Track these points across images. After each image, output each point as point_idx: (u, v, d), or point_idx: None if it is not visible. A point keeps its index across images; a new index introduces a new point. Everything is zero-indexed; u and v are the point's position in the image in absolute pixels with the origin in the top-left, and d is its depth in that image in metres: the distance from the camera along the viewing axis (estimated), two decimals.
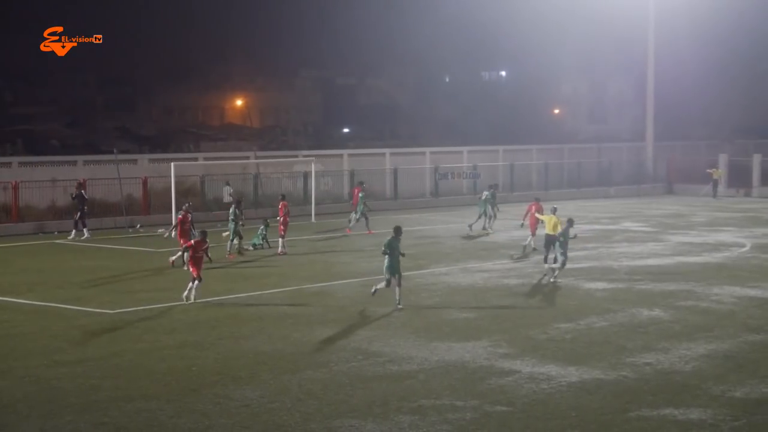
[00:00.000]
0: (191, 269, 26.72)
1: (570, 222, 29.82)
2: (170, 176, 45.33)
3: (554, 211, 31.88)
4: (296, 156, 60.52)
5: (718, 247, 38.74)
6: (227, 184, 51.34)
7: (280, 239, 36.89)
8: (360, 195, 44.14)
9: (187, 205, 34.36)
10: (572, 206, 56.65)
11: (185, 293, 26.56)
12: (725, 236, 42.41)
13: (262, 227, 38.61)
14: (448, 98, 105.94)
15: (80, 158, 50.85)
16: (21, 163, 49.06)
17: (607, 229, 44.85)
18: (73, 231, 41.57)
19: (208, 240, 27.36)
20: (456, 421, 16.16)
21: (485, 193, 43.65)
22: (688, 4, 72.15)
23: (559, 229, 30.68)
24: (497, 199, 44.00)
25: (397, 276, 25.46)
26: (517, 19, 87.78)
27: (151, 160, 52.89)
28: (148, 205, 48.11)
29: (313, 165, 52.65)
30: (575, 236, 31.53)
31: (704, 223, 46.91)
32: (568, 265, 32.26)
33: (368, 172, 57.69)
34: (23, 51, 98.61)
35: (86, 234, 41.49)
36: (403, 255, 25.68)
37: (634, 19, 73.32)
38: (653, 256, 35.82)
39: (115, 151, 51.44)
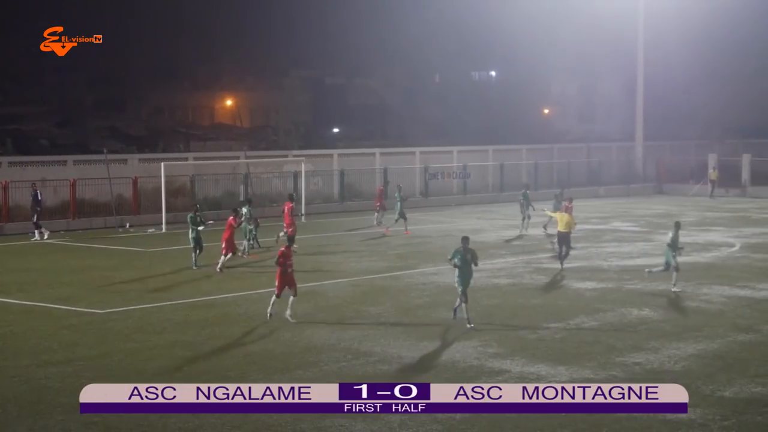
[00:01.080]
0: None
1: (677, 225, 28.62)
2: (160, 176, 45.32)
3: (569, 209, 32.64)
4: (286, 156, 60.45)
5: (707, 246, 38.82)
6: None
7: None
8: (396, 195, 43.88)
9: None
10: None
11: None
12: (715, 236, 42.50)
13: (251, 227, 38.55)
14: (437, 98, 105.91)
15: (70, 158, 50.73)
16: (11, 163, 48.91)
17: (597, 229, 44.91)
18: (36, 232, 41.38)
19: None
20: (446, 420, 16.17)
21: (525, 192, 43.37)
22: (677, 5, 72.26)
23: (575, 227, 31.34)
24: (529, 199, 43.44)
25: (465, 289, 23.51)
26: (506, 20, 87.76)
27: (141, 160, 52.80)
28: (138, 205, 48.03)
29: (303, 165, 52.62)
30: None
31: (694, 223, 47.00)
32: (557, 265, 32.38)
33: (358, 172, 57.72)
34: (12, 50, 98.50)
35: (37, 236, 41.25)
36: (475, 265, 23.97)
37: (623, 19, 73.39)
38: (643, 256, 35.87)
39: (105, 150, 51.41)
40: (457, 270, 23.34)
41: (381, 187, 43.99)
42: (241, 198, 51.57)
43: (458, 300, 23.54)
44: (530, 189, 45.19)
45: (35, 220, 41.57)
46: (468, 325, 22.95)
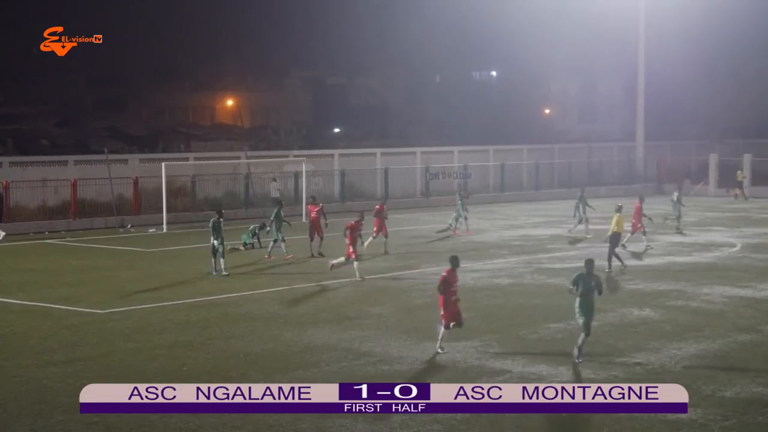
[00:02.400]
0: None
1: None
2: (161, 176, 45.33)
3: (619, 209, 32.50)
4: (287, 156, 60.45)
5: (708, 246, 38.80)
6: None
7: (312, 240, 36.17)
8: (457, 196, 43.50)
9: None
10: (563, 206, 56.73)
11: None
12: (716, 236, 42.48)
13: (253, 226, 38.59)
14: (438, 98, 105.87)
15: (71, 158, 50.74)
16: (11, 163, 48.93)
17: (598, 229, 44.82)
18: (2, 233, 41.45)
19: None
20: (447, 420, 16.17)
21: (579, 195, 42.77)
22: (678, 5, 72.23)
23: (624, 226, 31.70)
24: (586, 200, 42.77)
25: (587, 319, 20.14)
26: (507, 20, 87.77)
27: (142, 160, 52.81)
28: (139, 205, 48.03)
29: (303, 165, 52.60)
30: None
31: (695, 223, 46.97)
32: (557, 265, 32.37)
33: (359, 172, 57.72)
34: (12, 50, 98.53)
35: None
36: (600, 293, 20.34)
37: (624, 19, 73.37)
38: (644, 256, 35.85)
39: (105, 150, 51.41)
40: (578, 299, 20.10)
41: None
42: (243, 198, 51.70)
43: (582, 336, 20.11)
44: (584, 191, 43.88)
45: None
46: (577, 360, 19.86)
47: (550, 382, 18.32)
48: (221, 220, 31.66)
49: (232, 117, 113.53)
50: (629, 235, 37.03)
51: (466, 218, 42.73)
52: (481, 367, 19.61)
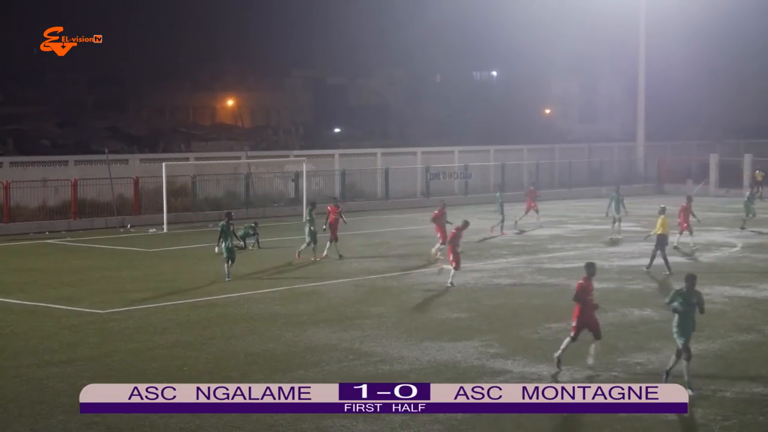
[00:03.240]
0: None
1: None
2: (161, 176, 45.32)
3: (663, 211, 32.39)
4: (287, 156, 60.46)
5: (708, 246, 38.79)
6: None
7: (330, 243, 35.19)
8: (497, 195, 43.39)
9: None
10: (563, 206, 56.82)
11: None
12: (716, 236, 42.47)
13: (245, 225, 38.27)
14: (439, 98, 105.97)
15: (71, 158, 50.74)
16: (12, 163, 48.93)
17: (598, 229, 44.86)
18: None
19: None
20: (447, 420, 16.17)
21: (612, 194, 42.12)
22: (679, 5, 72.26)
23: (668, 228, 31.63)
24: (621, 199, 41.88)
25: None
26: (508, 20, 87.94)
27: (143, 160, 52.81)
28: (140, 205, 48.02)
29: (304, 165, 52.58)
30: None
31: (695, 223, 46.90)
32: (558, 265, 32.35)
33: (359, 172, 57.71)
34: (13, 50, 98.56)
35: None
36: (701, 312, 18.54)
37: (625, 19, 73.41)
38: (644, 256, 35.74)
39: (106, 151, 51.40)
40: (676, 316, 18.37)
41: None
42: (243, 198, 51.69)
43: (674, 357, 18.57)
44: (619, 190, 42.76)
45: None
46: (689, 391, 17.11)
47: (551, 382, 18.34)
48: (231, 223, 30.48)
49: (232, 117, 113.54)
50: (678, 235, 37.01)
51: (503, 219, 42.56)
52: (481, 367, 19.61)
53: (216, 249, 32.99)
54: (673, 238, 36.52)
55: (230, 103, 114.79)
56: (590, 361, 19.55)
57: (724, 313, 25.37)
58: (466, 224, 29.34)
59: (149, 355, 20.56)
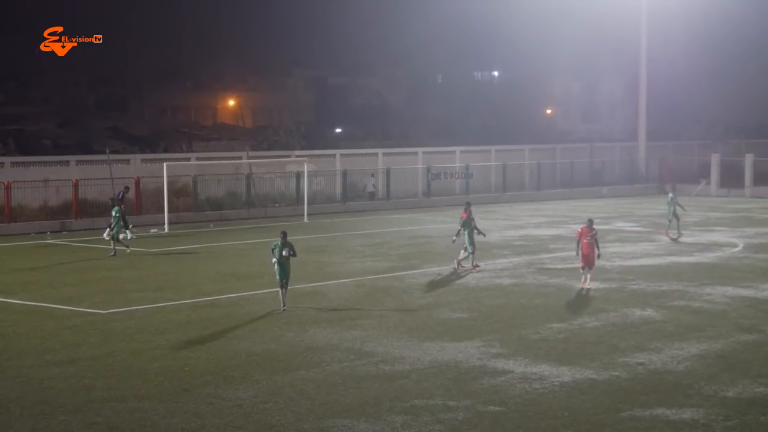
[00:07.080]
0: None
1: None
2: (163, 176, 45.31)
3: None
4: (289, 156, 60.43)
5: (710, 247, 38.77)
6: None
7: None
8: (670, 195, 41.57)
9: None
10: (565, 206, 56.79)
11: (586, 284, 28.26)
12: (718, 236, 42.44)
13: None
14: (440, 98, 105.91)
15: (72, 158, 50.72)
16: (13, 163, 48.93)
17: (600, 229, 44.73)
18: None
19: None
20: (448, 420, 16.17)
21: (669, 195, 41.74)
22: (680, 5, 72.23)
23: None
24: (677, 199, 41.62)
25: None
26: (509, 20, 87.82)
27: (144, 160, 52.81)
28: (141, 205, 48.00)
29: (305, 165, 52.57)
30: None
31: (697, 223, 46.94)
32: (559, 266, 32.34)
33: (360, 172, 57.72)
34: (14, 51, 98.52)
35: None
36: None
37: (626, 19, 73.35)
38: (645, 256, 35.85)
39: (107, 151, 51.38)
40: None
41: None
42: (244, 198, 51.70)
43: None
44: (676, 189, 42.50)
45: None
46: None
47: (552, 382, 18.35)
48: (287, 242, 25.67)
49: (233, 117, 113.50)
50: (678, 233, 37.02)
51: (678, 219, 41.42)
52: (483, 367, 19.61)
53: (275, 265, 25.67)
54: (675, 235, 36.47)
55: (231, 103, 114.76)
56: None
57: (725, 313, 25.35)
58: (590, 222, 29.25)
59: (150, 356, 20.56)
